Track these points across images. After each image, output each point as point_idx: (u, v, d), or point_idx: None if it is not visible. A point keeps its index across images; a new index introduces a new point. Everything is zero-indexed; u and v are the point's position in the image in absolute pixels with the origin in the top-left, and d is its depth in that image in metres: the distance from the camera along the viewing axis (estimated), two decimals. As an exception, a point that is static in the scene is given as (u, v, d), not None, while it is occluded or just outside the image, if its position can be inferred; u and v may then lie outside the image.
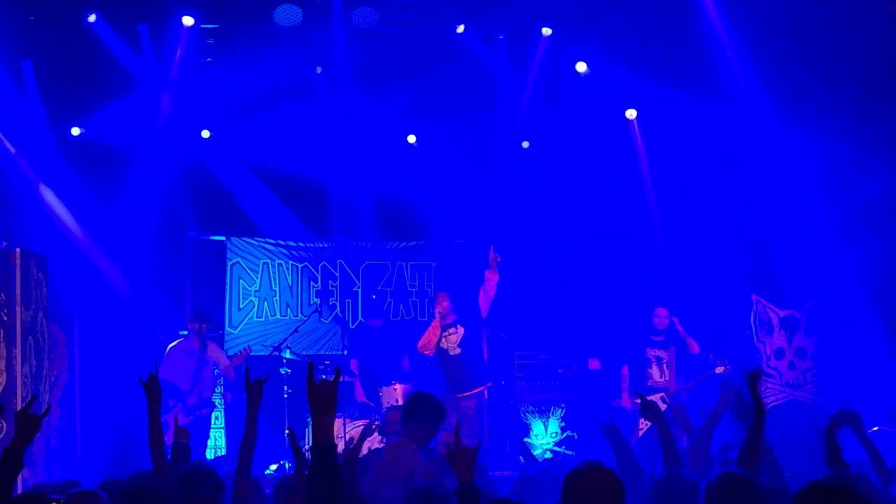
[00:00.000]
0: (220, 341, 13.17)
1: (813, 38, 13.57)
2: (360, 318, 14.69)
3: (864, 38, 13.37)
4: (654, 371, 12.60)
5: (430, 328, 12.50)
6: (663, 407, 11.84)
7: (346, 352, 13.34)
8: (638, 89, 14.68)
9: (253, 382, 5.78)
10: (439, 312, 12.44)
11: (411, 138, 15.47)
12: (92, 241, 13.79)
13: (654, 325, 12.72)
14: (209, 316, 12.93)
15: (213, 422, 13.61)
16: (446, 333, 12.43)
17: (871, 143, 13.73)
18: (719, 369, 12.48)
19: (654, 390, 12.34)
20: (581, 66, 14.54)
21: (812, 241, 13.62)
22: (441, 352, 12.45)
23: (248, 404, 5.78)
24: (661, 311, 12.75)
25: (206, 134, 14.68)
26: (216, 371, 12.90)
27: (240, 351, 12.96)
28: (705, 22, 13.67)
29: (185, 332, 12.79)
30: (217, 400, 13.85)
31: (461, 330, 12.45)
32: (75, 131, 14.10)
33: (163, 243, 14.35)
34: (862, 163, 13.87)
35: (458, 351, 12.40)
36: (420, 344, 12.51)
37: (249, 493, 5.68)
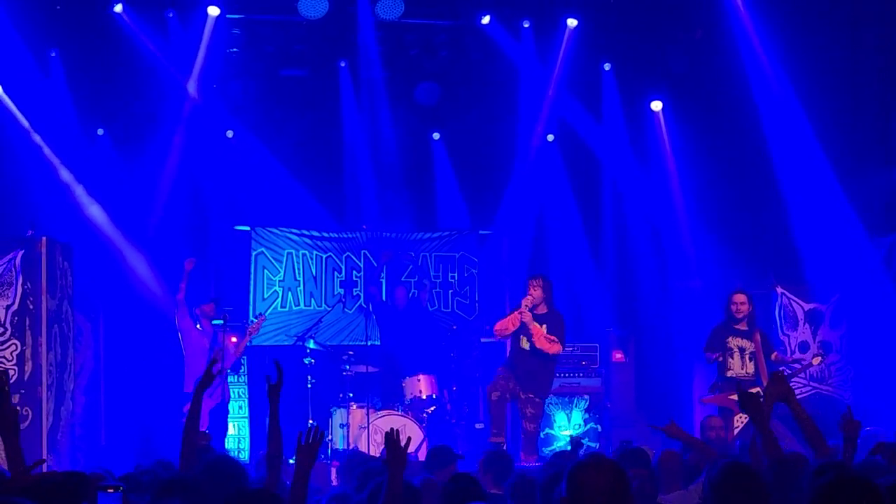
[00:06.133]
0: (243, 331, 13.10)
1: (838, 24, 13.50)
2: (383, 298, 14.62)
3: (890, 24, 13.32)
4: (735, 362, 11.46)
5: (510, 315, 11.50)
6: None
7: (369, 342, 13.27)
8: (663, 80, 14.67)
9: (274, 386, 5.61)
10: (525, 304, 11.36)
11: (436, 136, 15.50)
12: (117, 230, 13.84)
13: (733, 313, 11.52)
14: (217, 298, 12.73)
15: (235, 411, 13.59)
16: (526, 327, 11.43)
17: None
18: (816, 360, 11.97)
19: (736, 382, 11.13)
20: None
21: (838, 234, 13.52)
22: (515, 339, 11.58)
23: (270, 407, 5.62)
24: (739, 298, 11.55)
25: (230, 134, 14.72)
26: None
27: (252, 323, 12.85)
28: (730, 10, 13.63)
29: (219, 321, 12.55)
30: (241, 389, 13.84)
31: (543, 329, 11.44)
32: (100, 132, 14.16)
33: (188, 232, 14.39)
34: (888, 155, 13.77)
35: (528, 346, 11.45)
36: (496, 327, 11.63)
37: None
